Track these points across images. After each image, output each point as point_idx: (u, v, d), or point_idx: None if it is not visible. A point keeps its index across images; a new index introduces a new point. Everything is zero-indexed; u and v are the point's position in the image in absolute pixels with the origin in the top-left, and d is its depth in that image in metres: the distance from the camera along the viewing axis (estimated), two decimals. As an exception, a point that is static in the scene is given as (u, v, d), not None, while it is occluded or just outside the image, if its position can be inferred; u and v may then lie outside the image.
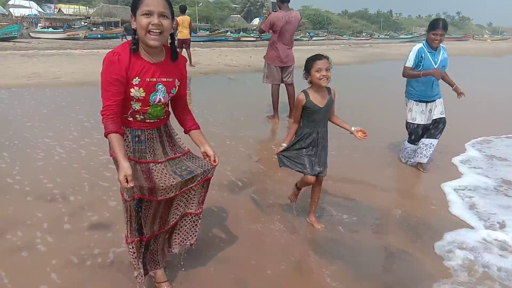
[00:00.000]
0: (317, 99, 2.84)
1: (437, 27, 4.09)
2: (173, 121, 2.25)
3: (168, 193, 2.07)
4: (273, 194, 3.67)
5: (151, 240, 2.20)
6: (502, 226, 3.27)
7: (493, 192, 3.96)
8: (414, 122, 4.40)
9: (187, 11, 12.64)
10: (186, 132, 2.25)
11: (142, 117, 2.02)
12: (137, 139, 2.04)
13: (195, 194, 2.20)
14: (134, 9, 1.85)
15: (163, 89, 1.99)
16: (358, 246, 2.89)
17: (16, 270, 2.42)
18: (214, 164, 2.18)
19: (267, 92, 6.58)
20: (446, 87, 4.48)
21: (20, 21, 27.64)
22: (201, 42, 28.91)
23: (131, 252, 2.08)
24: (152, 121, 2.06)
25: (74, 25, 36.79)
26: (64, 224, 2.98)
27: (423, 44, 4.24)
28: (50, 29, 32.53)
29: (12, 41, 22.38)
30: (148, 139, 2.07)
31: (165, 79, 1.99)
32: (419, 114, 4.38)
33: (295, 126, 2.95)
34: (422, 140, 4.42)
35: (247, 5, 69.06)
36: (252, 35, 42.95)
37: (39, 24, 37.51)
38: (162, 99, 2.01)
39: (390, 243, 2.94)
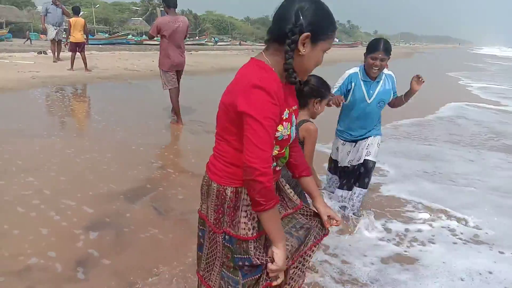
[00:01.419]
0: None
1: (376, 49, 3.04)
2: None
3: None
4: (172, 200, 3.67)
5: None
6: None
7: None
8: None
9: (81, 13, 11.95)
10: (297, 176, 1.71)
11: (274, 164, 1.49)
12: None
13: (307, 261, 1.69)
14: (322, 32, 1.34)
15: (294, 120, 1.51)
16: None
17: None
18: (328, 226, 1.67)
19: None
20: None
21: None
22: (100, 45, 27.39)
23: None
24: (279, 168, 1.57)
25: None
26: None
27: (359, 69, 3.24)
28: None
29: None
30: None
31: (295, 107, 1.52)
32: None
33: None
34: None
35: (149, 8, 67.06)
36: (155, 38, 41.79)
37: None
38: (293, 135, 1.53)
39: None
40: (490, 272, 2.82)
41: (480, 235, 3.36)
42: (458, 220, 3.62)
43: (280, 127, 1.39)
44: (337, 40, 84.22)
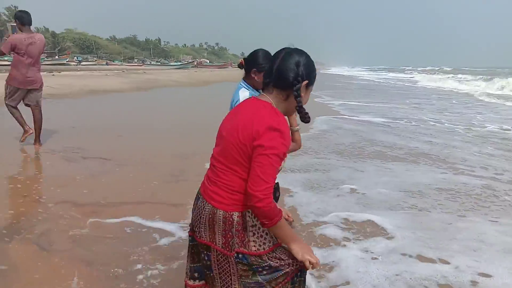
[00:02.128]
0: None
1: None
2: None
3: None
4: (55, 234, 3.37)
5: None
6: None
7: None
8: None
9: None
10: None
11: None
12: None
13: None
14: (312, 79, 1.68)
15: None
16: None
17: None
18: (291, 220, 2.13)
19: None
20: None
21: None
22: None
23: None
24: None
25: None
26: None
27: (247, 89, 2.65)
28: None
29: None
30: None
31: None
32: None
33: None
34: None
35: (-5, 24, 59.05)
36: (5, 58, 36.80)
37: None
38: None
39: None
40: (397, 274, 3.03)
41: (388, 245, 3.53)
42: (370, 230, 3.81)
43: (283, 162, 1.63)
44: (208, 62, 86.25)
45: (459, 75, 43.42)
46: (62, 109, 11.18)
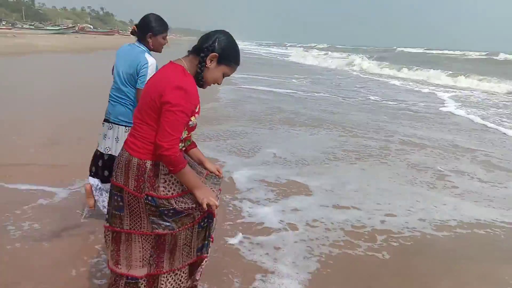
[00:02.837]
0: None
1: (167, 28, 2.83)
2: None
3: None
4: None
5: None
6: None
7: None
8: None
9: None
10: (188, 150, 2.08)
11: (182, 145, 1.91)
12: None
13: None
14: (226, 59, 1.83)
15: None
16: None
17: None
18: (220, 175, 2.11)
19: None
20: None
21: None
22: None
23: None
24: (184, 148, 2.00)
25: None
26: None
27: (147, 52, 2.80)
28: None
29: None
30: None
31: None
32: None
33: None
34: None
35: None
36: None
37: None
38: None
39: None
40: (316, 220, 3.40)
41: (308, 199, 3.88)
42: (294, 190, 4.10)
43: (193, 118, 1.82)
44: (92, 27, 79.06)
45: (334, 53, 46.30)
46: None
